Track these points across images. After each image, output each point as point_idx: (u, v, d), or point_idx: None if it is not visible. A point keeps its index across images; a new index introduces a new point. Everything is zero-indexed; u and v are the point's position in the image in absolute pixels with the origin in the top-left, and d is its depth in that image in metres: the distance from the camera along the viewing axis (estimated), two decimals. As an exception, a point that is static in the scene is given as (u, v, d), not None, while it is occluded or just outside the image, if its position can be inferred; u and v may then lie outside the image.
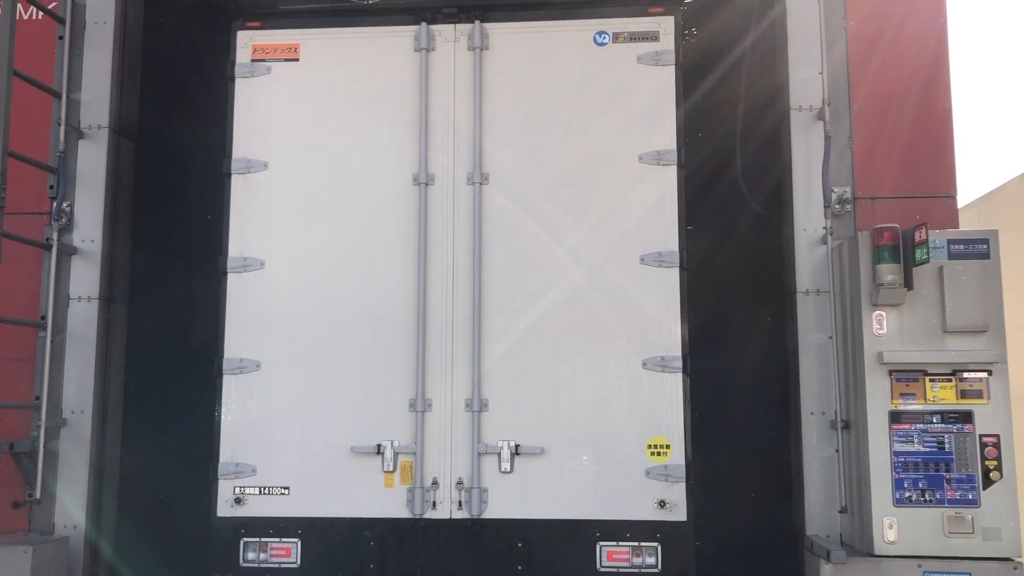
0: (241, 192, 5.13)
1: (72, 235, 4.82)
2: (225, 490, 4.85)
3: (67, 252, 4.79)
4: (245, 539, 4.82)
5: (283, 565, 4.77)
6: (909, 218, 4.30)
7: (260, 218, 5.10)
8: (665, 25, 5.08)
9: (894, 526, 3.95)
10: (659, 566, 4.66)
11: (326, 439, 4.89)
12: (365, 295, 5.01)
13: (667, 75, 5.03)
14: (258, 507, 4.86)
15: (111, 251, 4.90)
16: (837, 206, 4.57)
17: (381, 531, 4.81)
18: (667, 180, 4.95)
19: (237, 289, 5.05)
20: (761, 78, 4.96)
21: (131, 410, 4.95)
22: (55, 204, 4.74)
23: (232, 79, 5.21)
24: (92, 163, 4.91)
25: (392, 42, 5.22)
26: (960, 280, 3.97)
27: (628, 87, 5.08)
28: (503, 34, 5.21)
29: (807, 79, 4.66)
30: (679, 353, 4.80)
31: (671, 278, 4.86)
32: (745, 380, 4.84)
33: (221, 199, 5.03)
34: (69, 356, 4.78)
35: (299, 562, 4.80)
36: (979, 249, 4.00)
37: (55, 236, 4.73)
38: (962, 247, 4.00)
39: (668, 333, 4.81)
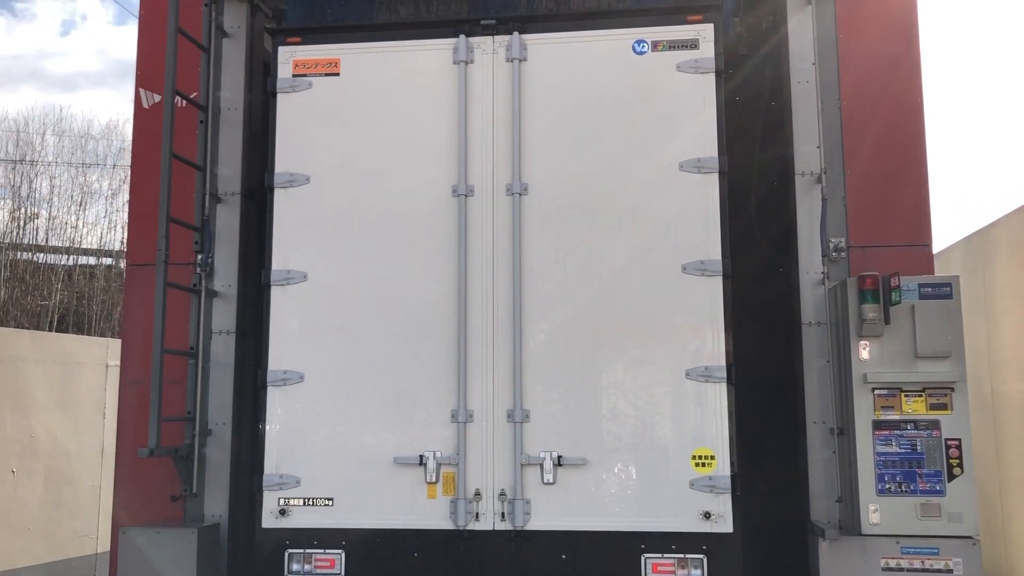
0: (284, 206, 5.13)
1: (213, 281, 5.48)
2: (270, 501, 4.88)
3: (210, 295, 5.45)
4: (290, 550, 4.82)
5: None
6: (893, 264, 4.89)
7: (303, 231, 5.09)
8: (705, 33, 4.99)
9: (878, 511, 4.58)
10: None
11: (369, 450, 4.85)
12: (406, 307, 4.97)
13: (707, 83, 4.93)
14: (302, 518, 4.84)
15: (243, 293, 5.48)
16: (834, 253, 5.07)
17: (425, 542, 4.75)
18: (709, 188, 4.85)
19: (281, 302, 5.05)
20: (772, 146, 5.45)
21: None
22: (201, 256, 5.39)
23: (274, 94, 5.21)
24: (227, 222, 5.53)
25: (431, 55, 5.15)
26: (928, 316, 4.66)
27: (668, 95, 4.96)
28: (541, 45, 5.08)
29: (808, 152, 5.20)
30: (723, 363, 4.70)
31: (714, 287, 4.77)
32: (762, 395, 5.20)
33: None
34: (212, 378, 5.39)
35: (343, 573, 4.77)
36: (944, 291, 4.70)
37: (202, 283, 5.41)
38: (930, 290, 4.70)
39: (712, 343, 4.74)
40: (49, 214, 21.80)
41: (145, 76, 5.75)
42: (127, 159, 21.51)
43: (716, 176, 4.88)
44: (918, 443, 4.65)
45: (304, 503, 4.89)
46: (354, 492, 4.88)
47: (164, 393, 5.00)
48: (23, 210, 21.27)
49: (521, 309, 4.89)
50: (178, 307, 5.35)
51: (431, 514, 4.79)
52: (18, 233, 20.98)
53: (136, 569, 4.94)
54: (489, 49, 5.13)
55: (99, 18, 46.61)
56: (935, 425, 4.65)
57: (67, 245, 21.53)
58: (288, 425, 4.98)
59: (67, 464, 10.43)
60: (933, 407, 4.66)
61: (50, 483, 10.22)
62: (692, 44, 5.00)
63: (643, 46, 5.04)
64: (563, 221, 4.98)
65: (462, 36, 5.14)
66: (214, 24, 5.64)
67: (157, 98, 5.66)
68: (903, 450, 4.65)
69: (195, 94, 5.58)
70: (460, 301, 4.93)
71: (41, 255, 21.00)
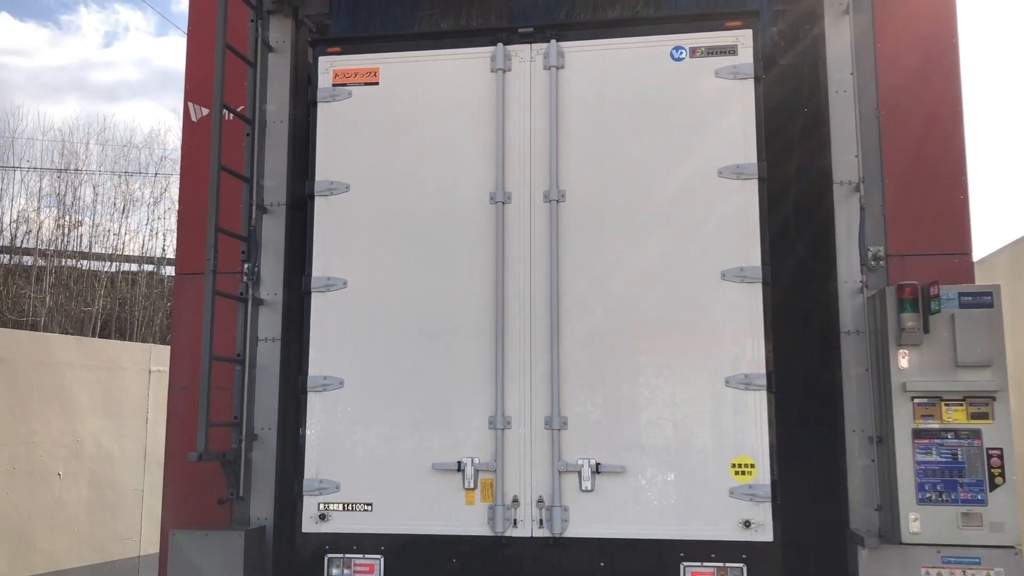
0: (324, 213, 5.19)
1: (260, 289, 5.58)
2: (310, 506, 4.92)
3: (257, 303, 5.55)
4: (329, 555, 4.86)
5: None
6: (932, 273, 4.89)
7: (343, 238, 5.15)
8: (743, 39, 4.96)
9: (918, 520, 4.56)
10: None
11: (408, 456, 4.90)
12: (444, 314, 5.00)
13: (746, 88, 4.91)
14: (342, 523, 4.88)
15: (288, 301, 5.56)
16: (873, 262, 5.05)
17: (463, 548, 4.77)
18: (748, 194, 4.83)
19: (321, 308, 5.10)
20: (809, 154, 5.46)
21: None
22: (248, 266, 5.51)
23: (314, 104, 5.27)
24: (273, 232, 5.61)
25: (469, 63, 5.17)
26: (969, 325, 4.64)
27: (706, 101, 4.95)
28: (579, 52, 5.08)
29: (845, 161, 5.18)
30: (763, 371, 4.67)
31: (754, 294, 4.74)
32: (801, 403, 5.19)
33: None
34: (258, 384, 5.47)
35: None
36: (984, 300, 4.67)
37: (248, 291, 5.51)
38: (970, 298, 4.67)
39: (751, 350, 4.71)
40: (92, 222, 22.26)
41: (193, 90, 5.90)
42: (168, 167, 22.00)
43: (755, 182, 4.86)
44: (959, 452, 4.62)
45: (344, 508, 4.93)
46: (393, 497, 4.92)
47: (212, 399, 5.09)
48: (68, 218, 21.74)
49: (559, 316, 4.90)
50: (225, 315, 5.42)
51: (469, 520, 4.82)
52: (63, 240, 21.44)
53: (185, 570, 5.05)
54: (527, 57, 5.15)
55: (141, 29, 47.54)
56: (976, 434, 4.62)
57: (110, 252, 21.95)
58: (328, 430, 5.04)
59: (110, 468, 10.68)
60: (974, 416, 4.63)
61: (94, 486, 10.49)
62: (731, 50, 4.98)
63: (681, 52, 5.03)
64: (601, 228, 4.99)
65: (500, 44, 5.18)
66: (260, 39, 5.77)
67: (205, 111, 5.81)
68: (943, 459, 4.62)
69: (242, 107, 5.69)
70: (498, 308, 4.95)
71: (85, 262, 21.43)
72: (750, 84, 4.95)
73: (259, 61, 5.76)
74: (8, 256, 20.81)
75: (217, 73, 5.29)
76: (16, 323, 18.37)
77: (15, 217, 21.54)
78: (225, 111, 5.38)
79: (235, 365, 5.51)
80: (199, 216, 5.43)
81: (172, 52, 46.08)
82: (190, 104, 5.91)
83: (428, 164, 5.19)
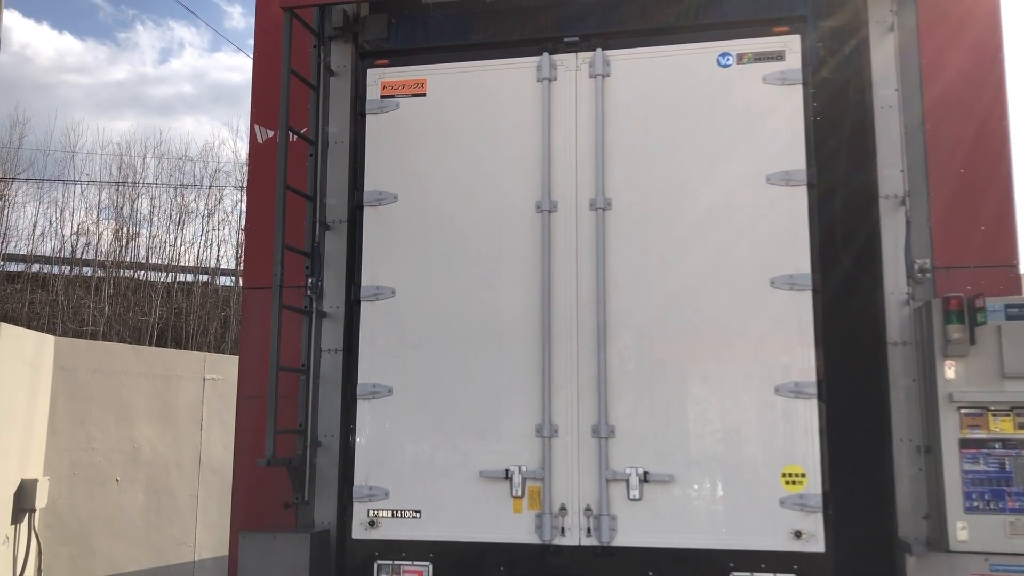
0: (373, 224, 5.28)
1: (323, 302, 5.69)
2: (359, 513, 4.99)
3: (320, 316, 5.66)
4: (379, 561, 4.92)
5: None
6: (979, 285, 4.93)
7: (391, 248, 5.22)
8: (791, 44, 4.93)
9: (966, 528, 4.58)
10: None
11: (456, 463, 4.93)
12: (491, 322, 5.03)
13: (794, 94, 4.89)
14: (391, 530, 4.95)
15: (349, 313, 5.65)
16: (919, 275, 5.07)
17: (511, 556, 4.78)
18: (797, 201, 4.80)
19: (370, 317, 5.18)
20: (855, 167, 5.41)
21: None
22: (311, 280, 5.64)
23: (363, 115, 5.36)
24: (335, 248, 5.73)
25: (515, 73, 5.21)
26: (1015, 336, 4.67)
27: (754, 108, 4.92)
28: (625, 60, 5.08)
29: (891, 175, 5.18)
30: (814, 379, 4.63)
31: (804, 301, 4.71)
32: (849, 412, 5.12)
33: None
34: (322, 393, 5.57)
35: None
36: None
37: (312, 304, 5.65)
38: (1017, 310, 4.70)
39: (802, 358, 4.67)
40: (149, 233, 22.84)
41: (259, 113, 6.10)
42: (222, 180, 22.51)
43: (804, 188, 4.83)
44: (1007, 462, 4.60)
45: (392, 515, 5.00)
46: (441, 505, 4.97)
47: (278, 407, 5.23)
48: (125, 230, 22.33)
49: (606, 324, 4.91)
50: (290, 327, 5.55)
51: (517, 528, 4.84)
52: (121, 252, 22.04)
53: (253, 571, 5.20)
54: (572, 66, 5.18)
55: (195, 45, 48.70)
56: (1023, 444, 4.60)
57: (166, 263, 22.49)
58: (377, 438, 5.11)
59: (166, 474, 10.96)
60: (1021, 427, 4.61)
61: (151, 492, 10.75)
62: (778, 56, 4.97)
63: (728, 59, 5.02)
64: (647, 236, 4.99)
65: (545, 54, 5.21)
66: (322, 64, 5.98)
67: (270, 133, 6.02)
68: (991, 469, 4.61)
69: (305, 129, 5.89)
70: (544, 317, 4.97)
71: (142, 272, 21.98)
72: (798, 89, 4.93)
73: (321, 85, 5.95)
74: (68, 267, 21.45)
75: (283, 98, 5.50)
76: (76, 332, 18.93)
77: (75, 229, 22.22)
78: (289, 133, 5.53)
79: (300, 375, 5.64)
80: (265, 233, 5.63)
81: (225, 67, 47.11)
82: (256, 126, 6.11)
83: (475, 173, 5.23)
